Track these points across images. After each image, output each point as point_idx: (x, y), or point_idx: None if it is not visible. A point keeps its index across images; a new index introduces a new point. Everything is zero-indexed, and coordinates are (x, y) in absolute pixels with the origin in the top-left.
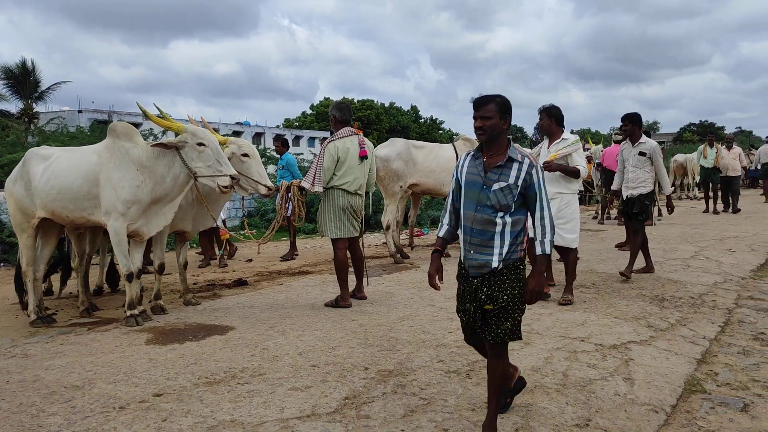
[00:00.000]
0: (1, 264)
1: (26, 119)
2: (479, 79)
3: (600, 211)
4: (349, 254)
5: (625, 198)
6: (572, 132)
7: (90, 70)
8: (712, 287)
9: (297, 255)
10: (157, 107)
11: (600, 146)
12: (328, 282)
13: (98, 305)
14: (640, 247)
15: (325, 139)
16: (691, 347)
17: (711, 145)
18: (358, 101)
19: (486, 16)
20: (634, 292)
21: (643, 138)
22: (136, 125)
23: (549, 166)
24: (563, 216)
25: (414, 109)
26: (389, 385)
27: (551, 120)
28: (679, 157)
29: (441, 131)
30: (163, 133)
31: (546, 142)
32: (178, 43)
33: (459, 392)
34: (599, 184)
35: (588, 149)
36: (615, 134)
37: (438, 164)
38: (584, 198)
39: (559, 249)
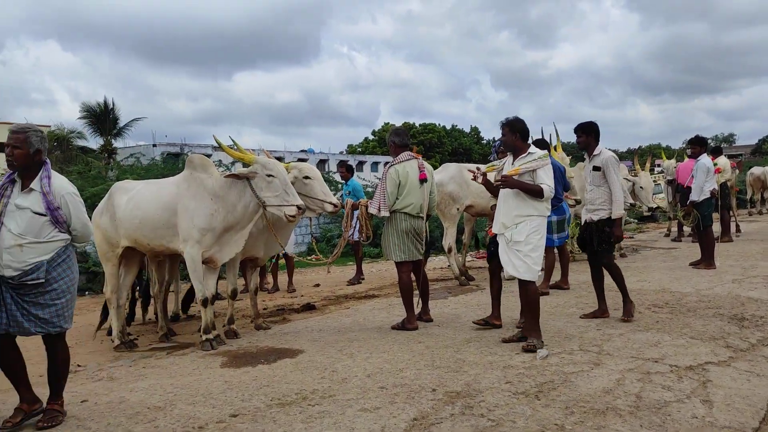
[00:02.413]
0: (86, 293)
1: (106, 154)
2: (542, 98)
3: (677, 228)
4: (413, 277)
5: (583, 223)
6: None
7: (161, 105)
8: None
9: (363, 279)
10: (231, 139)
11: (673, 161)
12: (394, 305)
13: (175, 330)
14: (621, 284)
15: (387, 163)
16: None
17: None
18: (419, 125)
19: (547, 32)
20: (710, 312)
21: (598, 149)
22: (206, 156)
23: (507, 182)
24: (530, 242)
25: (475, 130)
26: (457, 407)
27: (515, 135)
28: (756, 170)
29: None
30: (233, 163)
31: (510, 158)
32: (242, 74)
33: (528, 414)
34: (671, 201)
35: (659, 164)
36: (687, 148)
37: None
38: (654, 216)
39: (521, 282)
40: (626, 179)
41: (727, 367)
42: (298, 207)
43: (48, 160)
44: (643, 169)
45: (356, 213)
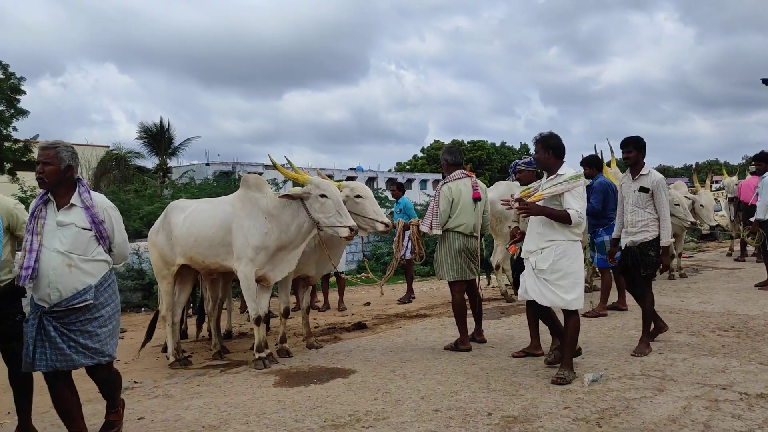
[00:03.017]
0: (142, 309)
1: (161, 173)
2: (593, 113)
3: (740, 248)
4: (467, 296)
5: (624, 247)
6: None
7: (213, 125)
8: None
9: (414, 298)
10: (286, 158)
11: (735, 178)
12: (447, 325)
13: (228, 348)
14: (650, 315)
15: (437, 181)
16: None
17: None
18: (468, 142)
19: (598, 46)
20: None
21: (646, 169)
22: (258, 174)
23: (529, 209)
24: (559, 269)
25: (524, 147)
26: None
27: (548, 152)
28: None
29: None
30: (285, 182)
31: (545, 177)
32: (291, 94)
33: None
34: (733, 219)
35: (718, 181)
36: (751, 165)
37: None
38: (714, 234)
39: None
40: (686, 197)
41: None
42: (351, 228)
43: (82, 177)
44: (702, 187)
45: (407, 233)
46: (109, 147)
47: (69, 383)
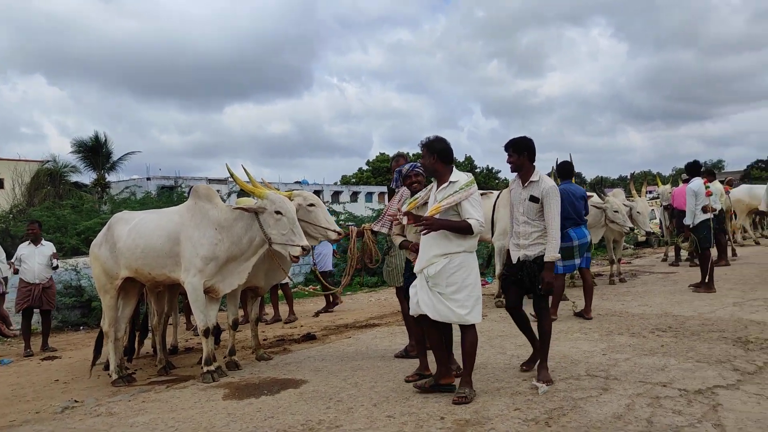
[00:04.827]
0: (81, 327)
1: (99, 188)
2: (534, 126)
3: (674, 253)
4: None
5: (516, 261)
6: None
7: (152, 139)
8: None
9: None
10: (245, 170)
11: (668, 186)
12: (396, 333)
13: (174, 363)
14: (548, 337)
15: (383, 194)
16: None
17: None
18: (413, 155)
19: (537, 60)
20: (714, 335)
21: (536, 175)
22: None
23: (430, 224)
24: (454, 282)
25: (468, 159)
26: None
27: (433, 157)
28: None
29: (497, 180)
30: (228, 195)
31: (434, 187)
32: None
33: None
34: (668, 225)
35: (651, 191)
36: (683, 174)
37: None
38: (649, 241)
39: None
40: (625, 204)
41: (736, 391)
42: (303, 248)
43: None
44: (639, 195)
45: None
46: (42, 162)
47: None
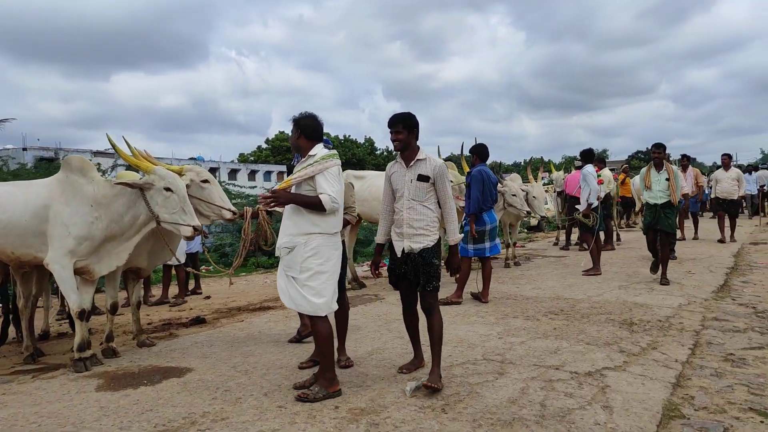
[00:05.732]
0: None
1: None
2: (433, 109)
3: (565, 237)
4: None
5: (401, 253)
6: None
7: (29, 106)
8: (677, 309)
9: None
10: (126, 142)
11: (561, 172)
12: (292, 317)
13: (44, 350)
14: (439, 339)
15: (282, 173)
16: (665, 371)
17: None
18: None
19: (438, 45)
20: (602, 317)
21: (423, 153)
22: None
23: (278, 196)
24: (309, 268)
25: (369, 141)
26: (362, 424)
27: (297, 133)
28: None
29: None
30: (112, 168)
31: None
32: (121, 75)
33: (435, 428)
34: (561, 211)
35: (544, 177)
36: (576, 161)
37: (370, 193)
38: (541, 226)
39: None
40: (522, 189)
41: (622, 372)
42: (195, 228)
43: None
44: (536, 180)
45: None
46: None
47: None
